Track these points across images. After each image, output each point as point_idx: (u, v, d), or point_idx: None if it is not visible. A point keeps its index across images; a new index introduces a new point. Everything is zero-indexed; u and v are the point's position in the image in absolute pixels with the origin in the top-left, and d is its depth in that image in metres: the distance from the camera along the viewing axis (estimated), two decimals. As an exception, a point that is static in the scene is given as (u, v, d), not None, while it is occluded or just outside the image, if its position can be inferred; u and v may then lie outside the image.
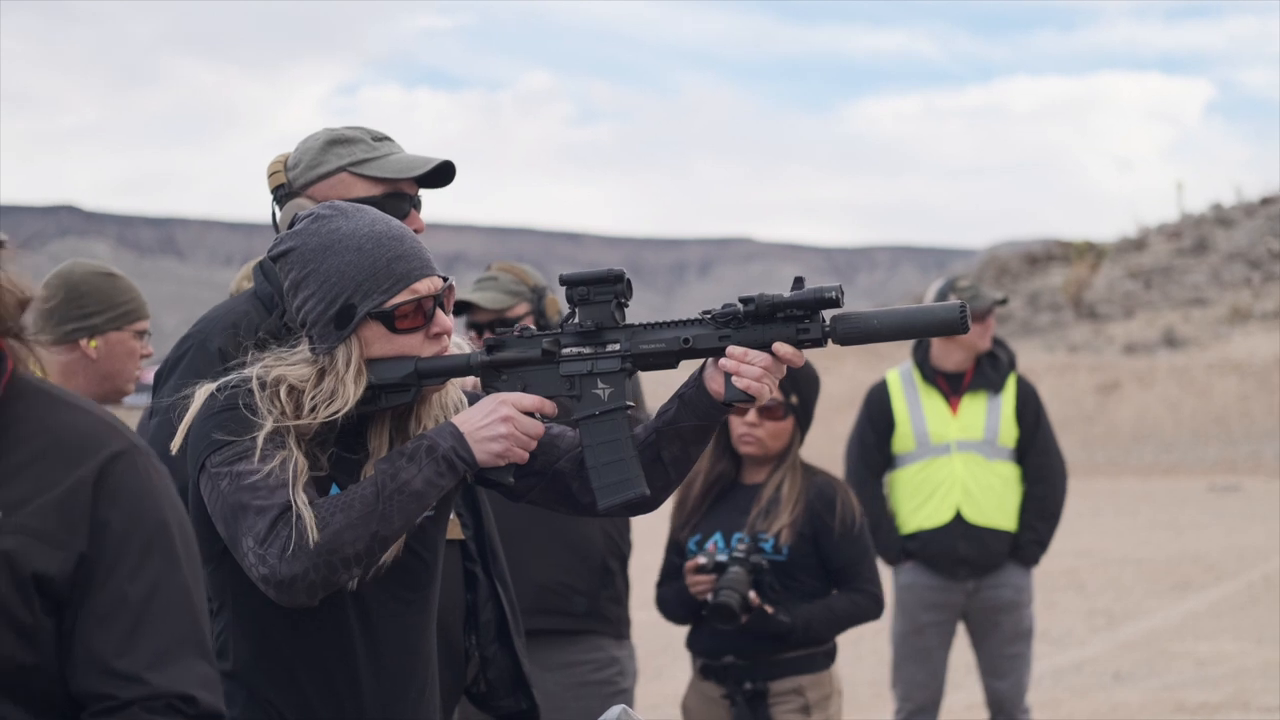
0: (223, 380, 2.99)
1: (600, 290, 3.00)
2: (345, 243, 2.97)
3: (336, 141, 3.54)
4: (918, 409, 7.10)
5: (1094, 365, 38.81)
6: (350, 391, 2.94)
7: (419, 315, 2.99)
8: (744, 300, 2.97)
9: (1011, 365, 7.16)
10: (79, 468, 2.36)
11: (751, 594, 5.06)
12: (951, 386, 7.11)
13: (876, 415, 7.17)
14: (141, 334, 4.69)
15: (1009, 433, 7.09)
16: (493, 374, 3.05)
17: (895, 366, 7.34)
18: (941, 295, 7.22)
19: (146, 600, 2.35)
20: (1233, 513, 25.97)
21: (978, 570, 7.06)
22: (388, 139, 3.58)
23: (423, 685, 3.07)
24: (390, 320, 2.96)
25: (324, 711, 2.98)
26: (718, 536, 5.25)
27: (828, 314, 2.97)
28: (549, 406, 3.00)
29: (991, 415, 7.09)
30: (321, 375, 2.96)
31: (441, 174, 3.54)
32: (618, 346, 3.01)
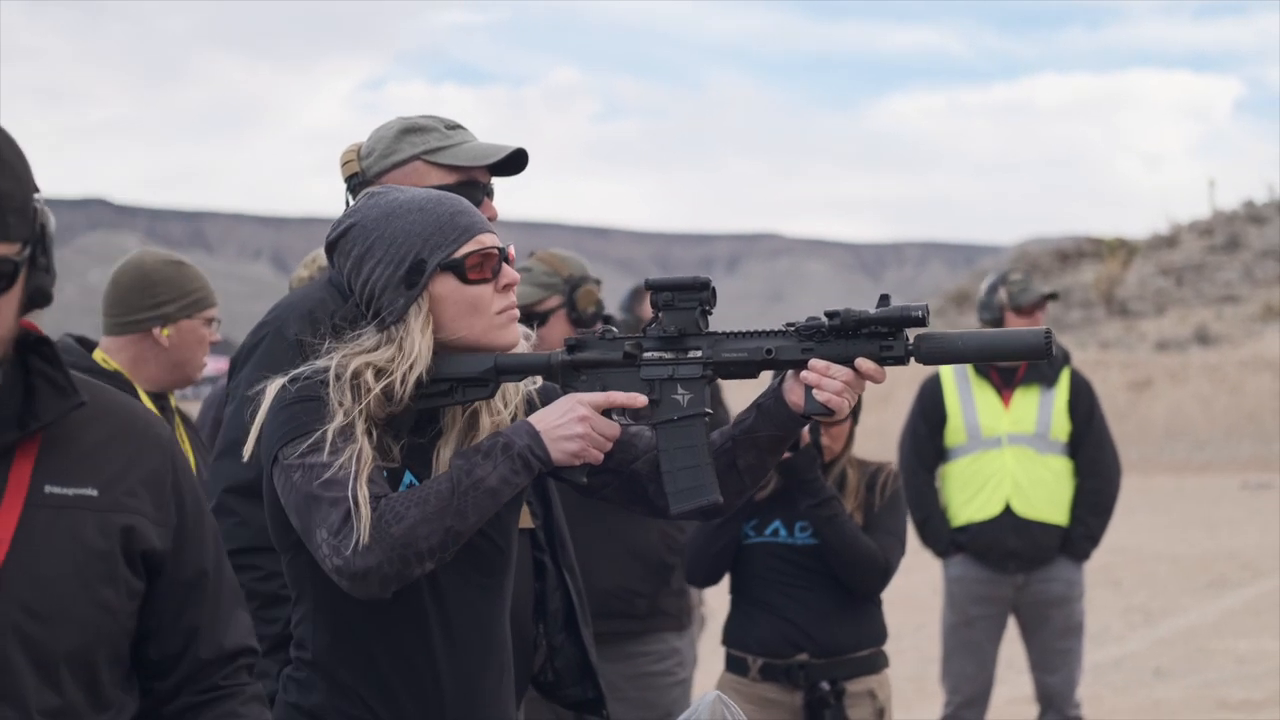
0: (295, 372, 2.99)
1: (685, 297, 3.01)
2: (406, 206, 3.00)
3: (410, 130, 3.55)
4: (970, 402, 7.11)
5: (1126, 362, 38.68)
6: (422, 347, 2.94)
7: (487, 267, 3.00)
8: (829, 314, 2.97)
9: (1065, 359, 7.15)
10: (157, 447, 2.56)
11: (804, 431, 4.91)
12: (1004, 380, 7.11)
13: (929, 408, 7.18)
14: (210, 321, 4.70)
15: (1061, 427, 7.08)
16: (572, 374, 3.05)
17: None
18: (993, 289, 7.23)
19: (217, 568, 2.62)
20: (1267, 510, 25.88)
21: (1027, 564, 7.05)
22: (461, 127, 3.58)
23: (499, 669, 3.07)
24: (462, 270, 2.97)
25: (404, 696, 2.99)
26: (778, 523, 5.16)
27: (911, 332, 2.98)
28: (633, 402, 3.00)
29: (1044, 409, 7.07)
30: (401, 348, 2.96)
31: (514, 162, 3.54)
32: (700, 353, 3.01)
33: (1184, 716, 9.82)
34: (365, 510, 2.81)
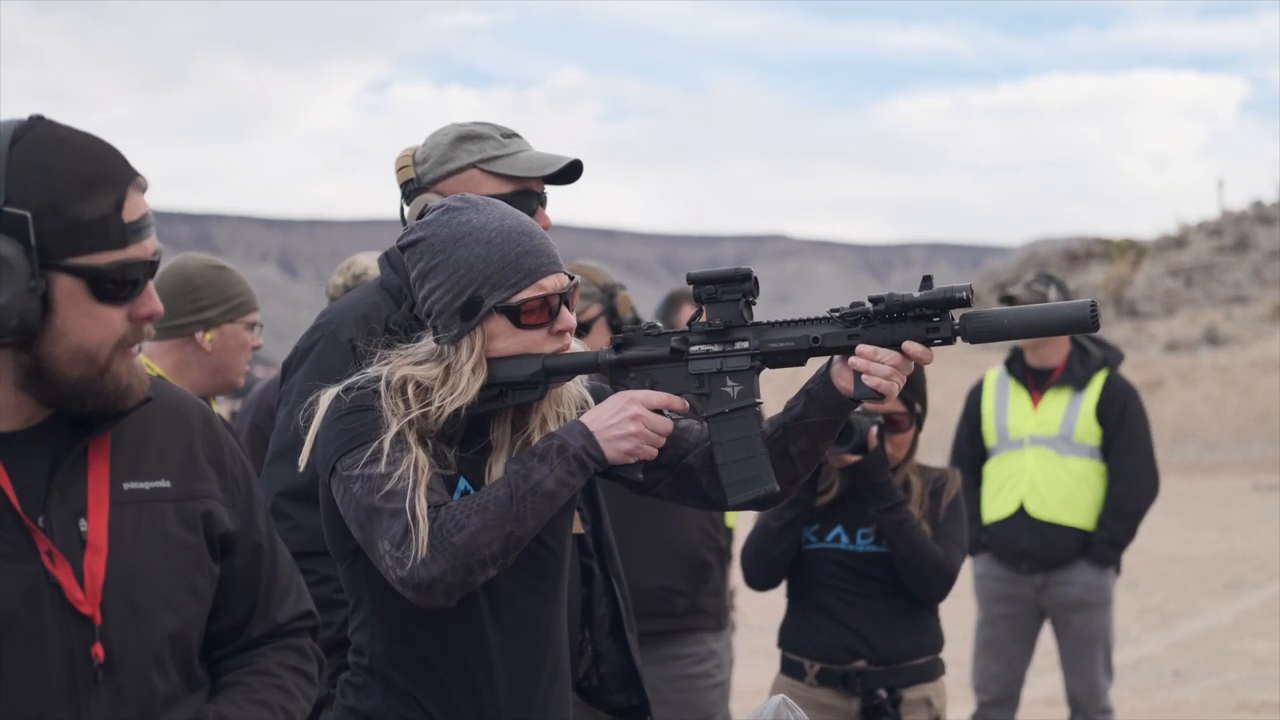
0: (349, 382, 3.00)
1: (728, 289, 3.01)
2: (475, 235, 2.98)
3: (466, 138, 3.55)
4: (1004, 404, 7.17)
5: (1136, 363, 38.64)
6: (469, 384, 2.95)
7: (544, 311, 3.00)
8: (873, 299, 2.97)
9: (1104, 363, 7.14)
10: (210, 432, 2.61)
11: (872, 433, 4.95)
12: (1036, 382, 7.14)
13: (971, 410, 7.30)
14: (253, 326, 4.70)
15: (1088, 429, 7.08)
16: (621, 372, 3.05)
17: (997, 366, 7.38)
18: (1026, 287, 7.25)
19: (270, 540, 2.67)
20: (1278, 511, 25.88)
21: (1042, 564, 7.07)
22: (516, 135, 3.58)
23: (554, 673, 3.08)
24: (516, 315, 2.98)
25: (460, 700, 3.00)
26: (839, 529, 5.13)
27: (956, 313, 2.98)
28: (678, 403, 3.01)
29: (1070, 411, 7.09)
30: (448, 372, 2.97)
31: (570, 172, 3.55)
32: (746, 345, 3.02)
33: (1205, 718, 9.82)
34: (424, 523, 2.83)
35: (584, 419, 2.97)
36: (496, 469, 3.00)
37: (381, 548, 2.85)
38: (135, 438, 2.50)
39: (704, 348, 3.04)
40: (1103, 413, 7.10)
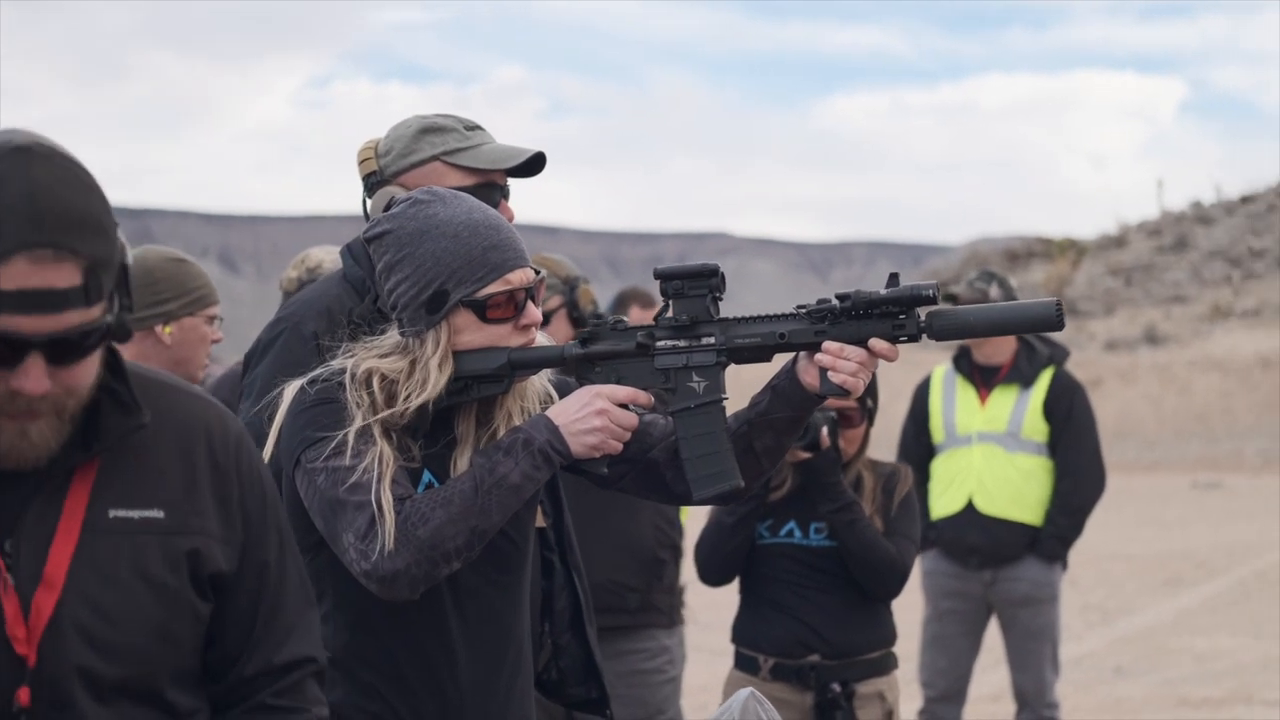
0: (313, 374, 3.01)
1: (695, 284, 3.03)
2: (442, 229, 2.98)
3: (429, 130, 3.55)
4: (951, 401, 7.21)
5: (1076, 362, 38.77)
6: (436, 378, 2.96)
7: (510, 306, 3.01)
8: (840, 296, 3.00)
9: (1051, 360, 7.20)
10: (221, 457, 2.41)
11: (824, 432, 4.98)
12: (984, 379, 7.19)
13: (917, 407, 7.32)
14: (212, 319, 4.68)
15: (1035, 426, 7.13)
16: (587, 366, 3.07)
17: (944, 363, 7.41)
18: (969, 285, 7.29)
19: (279, 574, 2.47)
20: (1216, 509, 26.06)
21: (990, 560, 7.11)
22: (479, 128, 3.58)
23: (516, 666, 3.10)
24: (482, 309, 2.98)
25: (423, 693, 3.01)
26: (793, 524, 5.16)
27: (922, 310, 3.00)
28: (644, 398, 3.02)
29: (1018, 408, 7.13)
30: (413, 366, 2.98)
31: (533, 165, 3.56)
32: (712, 340, 3.03)
33: (1146, 714, 9.90)
34: (389, 516, 2.83)
35: (549, 413, 2.98)
36: (461, 462, 3.01)
37: (346, 540, 2.86)
38: (136, 459, 2.35)
39: (670, 343, 3.05)
40: (1050, 409, 7.15)
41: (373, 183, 3.59)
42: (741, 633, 5.27)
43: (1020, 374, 7.15)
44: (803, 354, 3.03)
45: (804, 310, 3.02)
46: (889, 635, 5.22)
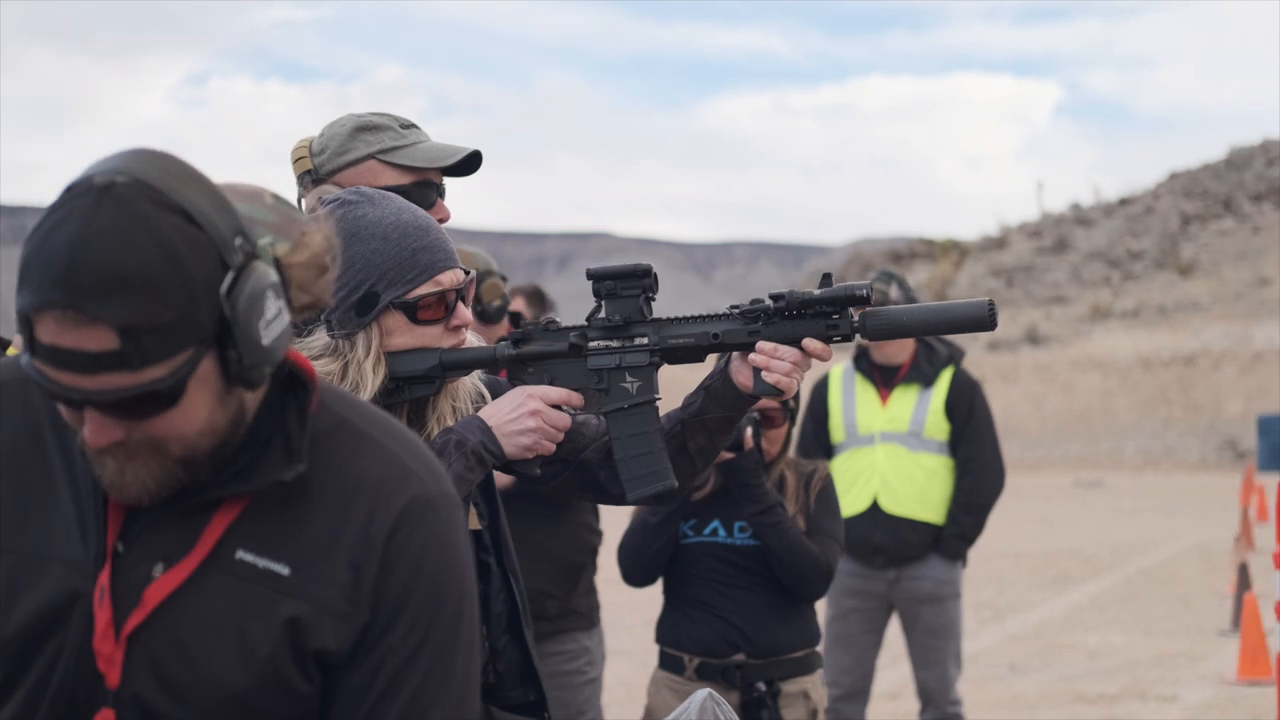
0: None
1: (627, 285, 3.01)
2: (371, 230, 2.94)
3: (364, 128, 3.50)
4: (851, 401, 7.21)
5: (959, 362, 39.21)
6: (370, 380, 2.92)
7: (441, 307, 2.97)
8: (774, 297, 2.99)
9: (950, 360, 7.22)
10: (377, 525, 2.14)
11: (748, 434, 4.99)
12: (884, 379, 7.20)
13: (816, 406, 7.31)
14: None
15: (937, 425, 7.15)
16: (519, 367, 3.04)
17: (842, 362, 7.40)
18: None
19: (411, 675, 2.16)
20: (1099, 507, 26.41)
21: (896, 560, 7.13)
22: (415, 126, 3.55)
23: None
24: (413, 310, 2.95)
25: None
26: (717, 523, 5.15)
27: (856, 310, 3.00)
28: (577, 399, 3.00)
29: (919, 408, 7.15)
30: (346, 368, 2.93)
31: (469, 163, 3.52)
32: (645, 340, 3.01)
33: (1043, 710, 9.97)
34: None
35: (482, 414, 2.96)
36: None
37: None
38: (286, 507, 2.13)
39: (603, 343, 3.03)
40: (951, 409, 7.17)
41: (308, 181, 3.54)
42: (666, 632, 5.26)
43: (921, 373, 7.17)
44: (736, 355, 3.01)
45: (738, 310, 3.01)
46: (813, 634, 5.22)
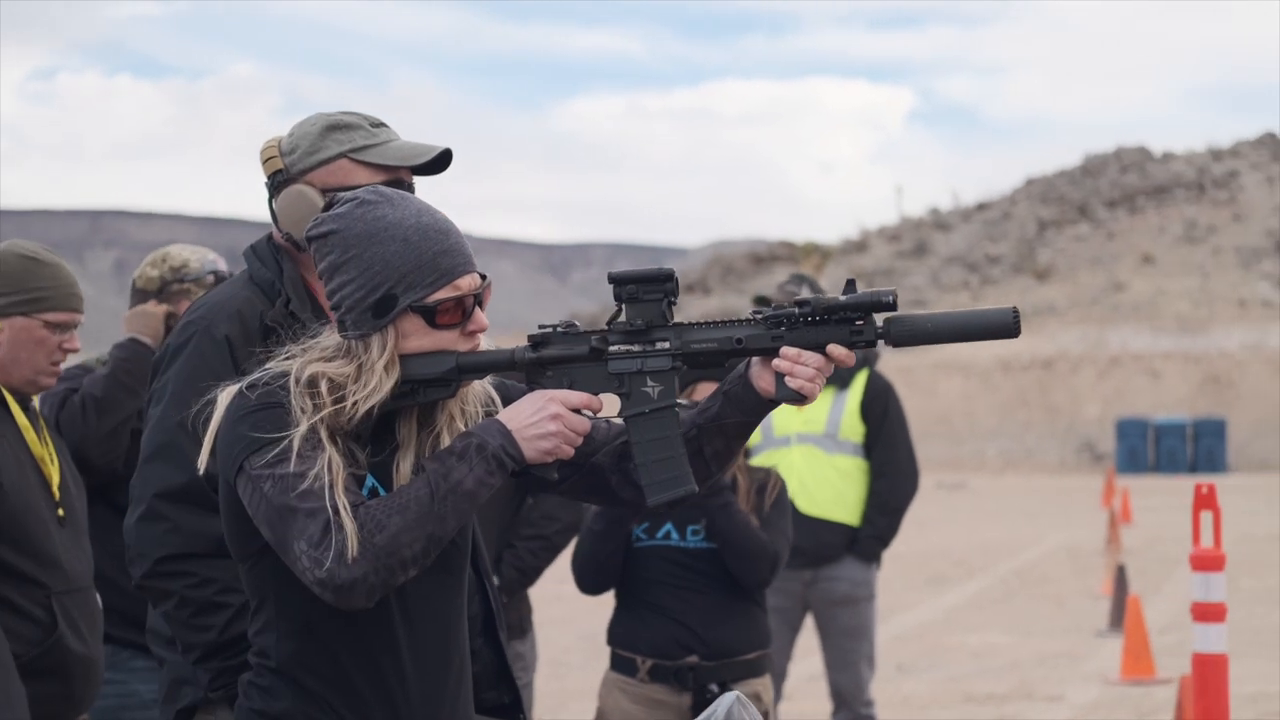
0: (251, 379, 2.91)
1: (649, 289, 2.99)
2: (391, 232, 2.92)
3: (335, 127, 3.49)
4: None
5: (822, 364, 39.37)
6: (383, 383, 2.90)
7: (458, 311, 2.95)
8: (798, 303, 2.98)
9: (865, 362, 7.28)
10: None
11: None
12: None
13: None
14: (58, 326, 4.40)
15: (853, 427, 7.21)
16: (538, 370, 3.02)
17: None
18: (780, 289, 7.35)
19: None
20: (965, 509, 26.77)
21: (812, 560, 7.17)
22: (384, 125, 3.53)
23: (461, 669, 3.04)
24: (431, 315, 2.93)
25: (372, 699, 2.93)
26: (669, 526, 5.17)
27: (880, 316, 3.01)
28: (597, 404, 2.98)
29: (835, 409, 7.20)
30: (360, 370, 2.91)
31: (439, 161, 3.52)
32: (667, 345, 3.01)
33: (934, 711, 10.09)
34: (348, 522, 2.75)
35: (501, 417, 2.93)
36: (404, 466, 2.94)
37: (298, 548, 2.77)
38: None
39: (624, 347, 3.02)
40: (867, 410, 7.23)
41: (279, 181, 3.51)
42: (618, 634, 5.27)
43: (836, 375, 7.21)
44: (757, 359, 3.00)
45: (760, 315, 3.01)
46: (764, 637, 5.25)
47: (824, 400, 7.22)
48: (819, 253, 54.65)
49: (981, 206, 59.32)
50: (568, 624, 13.28)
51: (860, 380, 7.26)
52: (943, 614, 14.43)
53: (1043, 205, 56.73)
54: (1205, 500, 6.02)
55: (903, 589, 15.89)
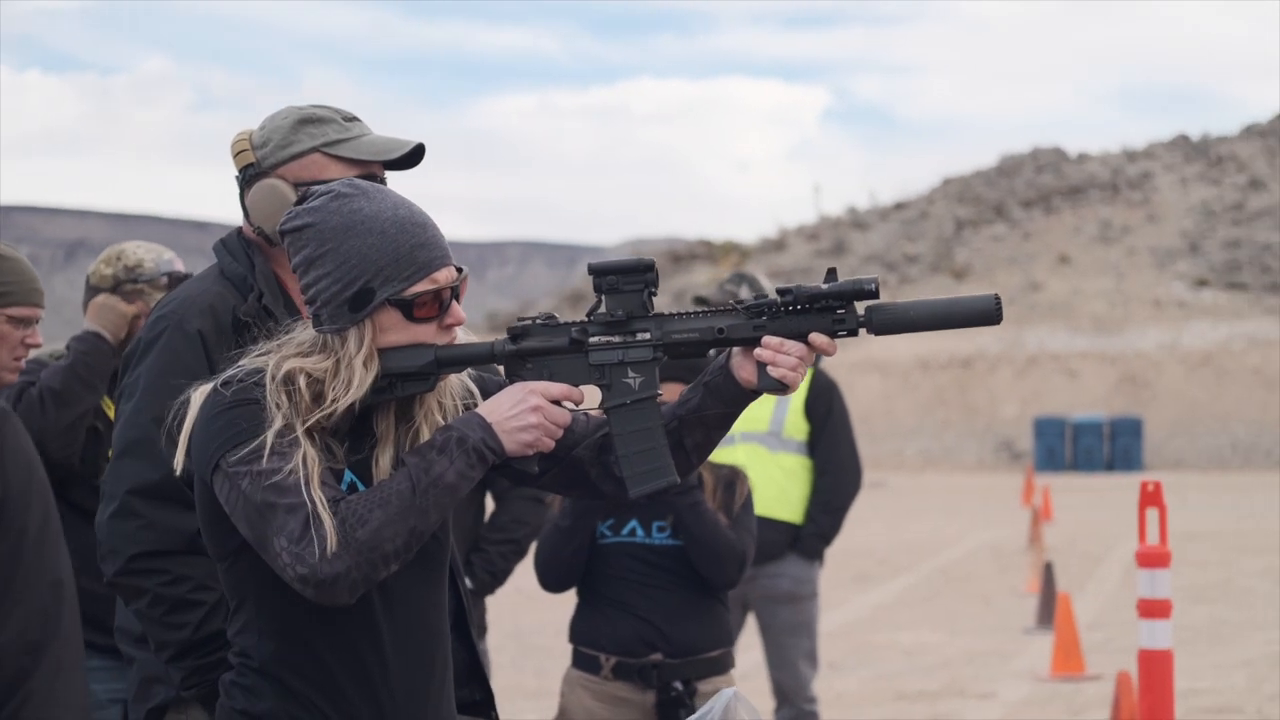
0: (226, 375, 2.88)
1: (629, 280, 2.97)
2: (368, 225, 2.89)
3: (307, 121, 3.46)
4: None
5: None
6: (362, 378, 2.87)
7: (435, 305, 2.92)
8: (780, 291, 2.97)
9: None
10: None
11: None
12: None
13: None
14: (21, 321, 4.34)
15: (797, 425, 7.21)
16: (518, 363, 3.00)
17: None
18: (719, 288, 7.35)
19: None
20: (885, 507, 26.88)
21: (755, 558, 7.16)
22: (357, 119, 3.52)
23: (444, 665, 3.02)
24: (409, 308, 2.90)
25: (356, 697, 2.90)
26: (635, 523, 5.16)
27: (862, 305, 2.99)
28: (578, 395, 2.96)
29: (779, 408, 7.20)
30: (338, 365, 2.88)
31: (412, 156, 3.49)
32: (648, 335, 2.99)
33: (866, 709, 10.11)
34: (327, 516, 2.72)
35: (481, 410, 2.90)
36: (383, 461, 2.91)
37: (277, 545, 2.73)
38: None
39: (604, 339, 2.99)
40: (811, 409, 7.24)
41: (250, 175, 3.48)
42: (581, 632, 5.24)
43: None
44: (737, 350, 2.98)
45: (741, 305, 2.99)
46: (727, 634, 5.24)
47: (768, 398, 7.20)
48: (737, 251, 54.79)
49: (899, 206, 59.61)
50: (494, 624, 13.22)
51: (805, 378, 7.25)
52: (870, 612, 14.48)
53: (960, 205, 57.06)
54: (1151, 498, 6.08)
55: (829, 587, 15.84)
